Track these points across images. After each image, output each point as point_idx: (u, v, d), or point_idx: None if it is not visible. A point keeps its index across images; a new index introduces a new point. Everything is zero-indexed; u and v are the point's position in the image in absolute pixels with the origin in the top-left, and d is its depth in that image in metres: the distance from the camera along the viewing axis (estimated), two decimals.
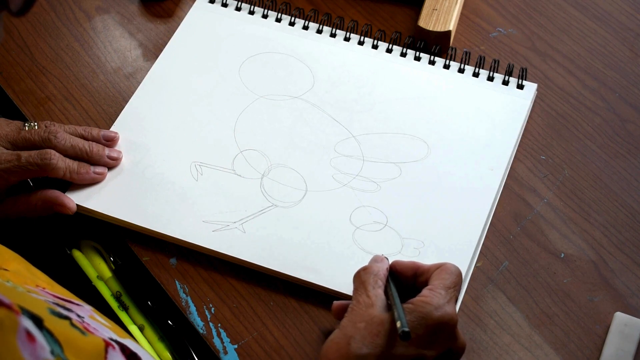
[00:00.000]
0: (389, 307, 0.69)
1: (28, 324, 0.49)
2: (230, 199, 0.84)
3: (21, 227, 0.85)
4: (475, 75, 0.92)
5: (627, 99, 0.92)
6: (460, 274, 0.71)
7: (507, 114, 0.90)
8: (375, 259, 0.75)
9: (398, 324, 0.65)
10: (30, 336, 0.49)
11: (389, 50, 0.95)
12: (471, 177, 0.85)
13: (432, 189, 0.84)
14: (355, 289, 0.71)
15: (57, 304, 0.58)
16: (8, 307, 0.48)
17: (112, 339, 0.59)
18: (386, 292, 0.71)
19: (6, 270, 0.62)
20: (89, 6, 1.02)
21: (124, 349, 0.59)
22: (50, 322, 0.53)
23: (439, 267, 0.71)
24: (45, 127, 0.84)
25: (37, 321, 0.51)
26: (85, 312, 0.61)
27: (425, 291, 0.69)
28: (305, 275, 0.79)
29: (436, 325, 0.67)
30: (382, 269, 0.72)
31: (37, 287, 0.62)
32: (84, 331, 0.56)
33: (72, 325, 0.56)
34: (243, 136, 0.88)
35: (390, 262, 0.74)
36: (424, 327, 0.66)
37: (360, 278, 0.72)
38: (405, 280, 0.73)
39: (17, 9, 0.57)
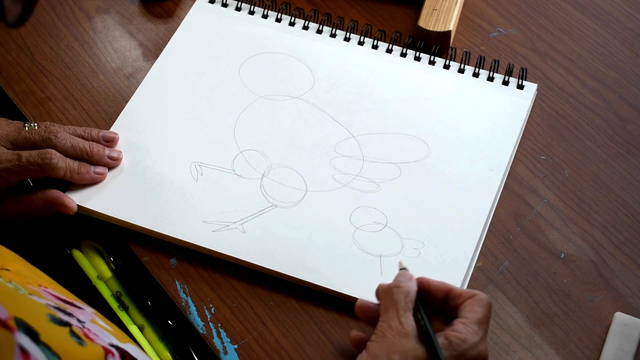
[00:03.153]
0: (420, 336, 0.66)
1: (23, 340, 0.49)
2: (230, 199, 0.84)
3: (21, 227, 0.85)
4: (476, 75, 0.92)
5: (627, 99, 0.92)
6: (490, 305, 0.69)
7: (507, 114, 0.90)
8: (405, 276, 0.71)
9: None
10: (25, 353, 0.49)
11: (389, 51, 0.95)
12: (471, 177, 0.85)
13: (432, 189, 0.84)
14: (386, 308, 0.68)
15: (59, 308, 0.58)
16: (4, 324, 0.48)
17: (112, 345, 0.59)
18: (414, 315, 0.68)
19: (8, 270, 0.62)
20: (89, 6, 1.02)
21: (124, 355, 0.59)
22: (48, 334, 0.52)
23: (471, 296, 0.69)
24: (46, 127, 0.84)
25: (33, 335, 0.51)
26: (87, 316, 0.61)
27: (459, 325, 0.67)
28: (305, 276, 0.79)
29: None
30: (413, 290, 0.69)
31: (39, 287, 0.62)
32: (83, 340, 0.56)
33: (72, 332, 0.56)
34: (243, 136, 0.88)
35: (418, 279, 0.71)
36: None
37: (392, 297, 0.68)
38: (435, 300, 0.71)
39: (14, 20, 0.56)
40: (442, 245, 0.80)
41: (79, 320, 0.59)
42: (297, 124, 0.89)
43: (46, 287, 0.63)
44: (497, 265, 0.81)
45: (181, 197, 0.84)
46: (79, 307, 0.62)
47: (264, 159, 0.87)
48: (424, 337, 0.66)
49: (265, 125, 0.89)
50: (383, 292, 0.70)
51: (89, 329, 0.58)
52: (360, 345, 0.71)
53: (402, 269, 0.73)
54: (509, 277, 0.80)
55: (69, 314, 0.58)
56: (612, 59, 0.95)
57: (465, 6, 1.00)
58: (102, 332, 0.60)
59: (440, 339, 0.66)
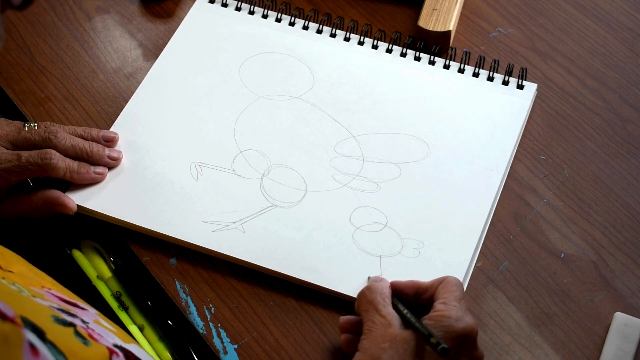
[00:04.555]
0: (404, 325, 0.69)
1: (31, 337, 0.49)
2: (230, 199, 0.84)
3: (21, 227, 0.85)
4: (475, 75, 0.92)
5: (627, 99, 0.92)
6: (462, 283, 0.71)
7: (507, 114, 0.90)
8: (375, 279, 0.74)
9: (432, 340, 0.65)
10: (34, 350, 0.49)
11: (389, 51, 0.95)
12: (471, 177, 0.85)
13: (432, 189, 0.84)
14: (365, 310, 0.71)
15: (62, 309, 0.58)
16: (12, 320, 0.48)
17: (116, 345, 0.59)
18: (395, 309, 0.71)
19: (11, 272, 0.62)
20: (89, 6, 1.02)
21: (129, 356, 0.59)
22: (54, 333, 0.52)
23: (441, 281, 0.71)
24: (45, 127, 0.84)
25: (40, 333, 0.51)
26: (90, 316, 0.61)
27: (439, 305, 0.68)
28: (305, 276, 0.79)
29: (459, 337, 0.67)
30: (386, 287, 0.72)
31: (42, 289, 0.62)
32: (88, 340, 0.56)
33: (76, 332, 0.56)
34: (243, 136, 0.88)
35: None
36: (448, 340, 0.66)
37: (366, 297, 0.71)
38: (407, 299, 0.73)
39: (19, 2, 0.56)
40: (442, 245, 0.80)
41: (83, 321, 0.59)
42: (297, 124, 0.89)
43: (49, 289, 0.63)
44: (497, 265, 0.81)
45: (181, 197, 0.84)
46: (82, 308, 0.62)
47: (264, 159, 0.87)
48: (408, 323, 0.68)
49: (265, 125, 0.89)
50: (358, 298, 0.73)
51: (93, 330, 0.58)
52: (351, 345, 0.72)
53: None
54: (509, 277, 0.80)
55: (73, 315, 0.58)
56: (612, 59, 0.95)
57: (465, 6, 1.00)
58: (106, 332, 0.60)
59: (428, 322, 0.67)
